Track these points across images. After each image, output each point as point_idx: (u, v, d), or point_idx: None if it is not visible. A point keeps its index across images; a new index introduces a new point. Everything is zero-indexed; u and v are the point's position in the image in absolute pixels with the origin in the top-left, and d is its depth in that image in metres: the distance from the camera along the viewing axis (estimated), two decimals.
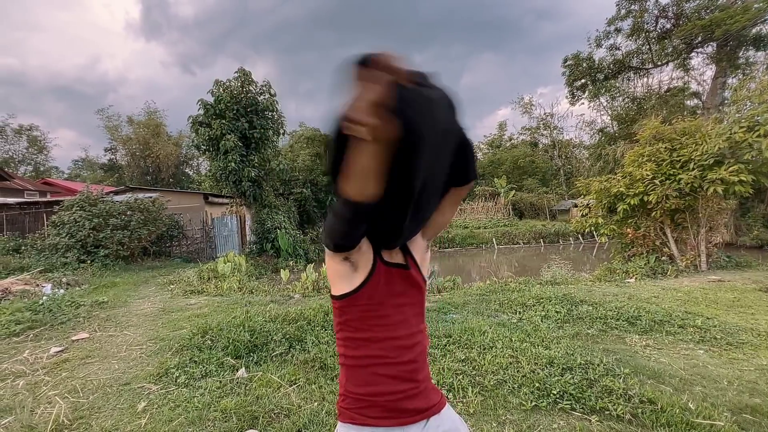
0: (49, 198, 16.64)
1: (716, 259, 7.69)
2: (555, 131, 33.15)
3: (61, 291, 6.60)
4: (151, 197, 11.97)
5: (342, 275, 0.96)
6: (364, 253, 0.95)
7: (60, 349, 3.91)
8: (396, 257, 1.02)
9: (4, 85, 57.75)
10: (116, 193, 13.76)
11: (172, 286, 7.35)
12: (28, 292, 6.25)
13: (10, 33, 62.97)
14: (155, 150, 27.70)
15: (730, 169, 6.50)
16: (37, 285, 6.78)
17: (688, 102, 20.44)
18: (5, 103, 54.90)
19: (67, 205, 10.49)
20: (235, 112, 12.76)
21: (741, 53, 16.91)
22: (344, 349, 1.00)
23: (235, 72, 13.31)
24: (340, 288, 0.97)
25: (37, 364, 3.55)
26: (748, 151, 6.57)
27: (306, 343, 3.63)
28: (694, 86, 20.31)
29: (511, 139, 37.38)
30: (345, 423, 0.99)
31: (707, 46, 17.65)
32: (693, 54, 18.69)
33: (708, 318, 4.19)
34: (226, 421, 2.45)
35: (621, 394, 2.51)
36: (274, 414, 2.53)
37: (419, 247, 1.08)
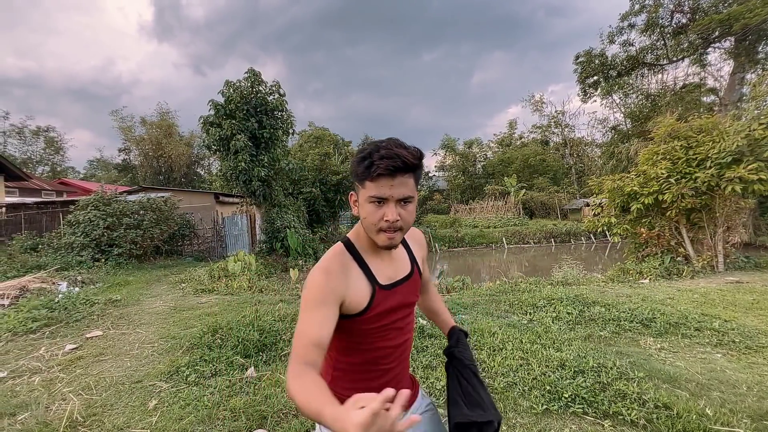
0: (65, 198, 17.05)
1: (734, 259, 7.48)
2: (566, 129, 32.72)
3: (76, 289, 6.74)
4: (163, 197, 12.18)
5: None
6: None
7: (74, 346, 3.99)
8: (398, 270, 1.02)
9: (22, 88, 59.39)
10: (129, 192, 14.00)
11: (183, 285, 7.44)
12: (44, 290, 6.39)
13: (29, 36, 64.63)
14: (167, 150, 28.11)
15: (749, 167, 6.31)
16: (53, 283, 6.93)
17: (705, 98, 19.86)
18: (23, 104, 56.49)
19: (82, 205, 10.71)
20: (245, 112, 12.84)
21: (761, 48, 16.38)
22: (336, 353, 1.00)
23: (245, 72, 13.38)
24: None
25: (53, 360, 3.62)
26: (767, 149, 6.38)
27: None
28: (710, 82, 19.74)
29: (521, 138, 36.92)
30: None
31: (725, 41, 17.13)
32: (710, 49, 18.15)
33: (726, 320, 4.07)
34: (235, 420, 2.46)
35: (635, 399, 2.45)
36: (283, 414, 2.54)
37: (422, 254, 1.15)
